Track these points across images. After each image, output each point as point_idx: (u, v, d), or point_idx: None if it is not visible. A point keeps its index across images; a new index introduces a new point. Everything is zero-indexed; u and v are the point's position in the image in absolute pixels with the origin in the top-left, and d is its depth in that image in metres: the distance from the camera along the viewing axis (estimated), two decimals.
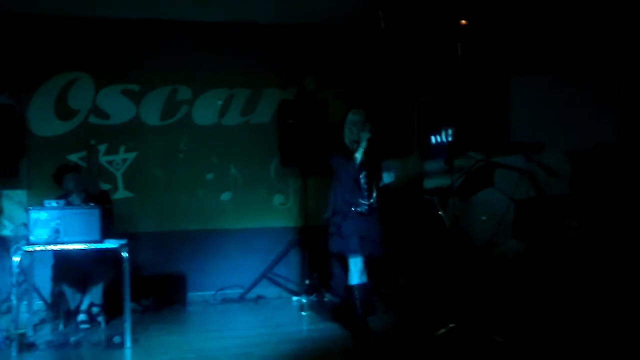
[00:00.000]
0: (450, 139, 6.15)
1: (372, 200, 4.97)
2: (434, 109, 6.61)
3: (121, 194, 6.56)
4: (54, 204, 5.14)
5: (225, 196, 6.79)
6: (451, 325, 4.80)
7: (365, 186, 4.98)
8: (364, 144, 4.90)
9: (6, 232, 6.23)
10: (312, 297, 6.38)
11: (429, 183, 6.21)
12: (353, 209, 4.93)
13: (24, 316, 5.25)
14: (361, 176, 4.97)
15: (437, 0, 6.13)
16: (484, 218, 5.63)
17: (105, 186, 6.48)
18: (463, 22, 6.54)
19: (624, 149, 6.03)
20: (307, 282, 6.45)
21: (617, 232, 5.47)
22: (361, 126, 5.03)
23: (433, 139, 6.55)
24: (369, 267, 5.05)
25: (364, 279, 4.98)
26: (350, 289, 4.98)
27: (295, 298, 6.51)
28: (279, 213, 6.89)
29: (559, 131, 5.90)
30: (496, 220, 5.57)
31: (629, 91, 6.48)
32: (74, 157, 6.42)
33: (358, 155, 4.90)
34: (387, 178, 5.06)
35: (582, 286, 5.36)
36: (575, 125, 6.00)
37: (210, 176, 6.76)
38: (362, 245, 4.91)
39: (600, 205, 5.56)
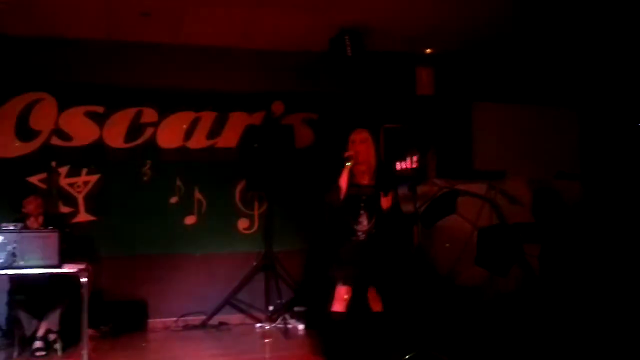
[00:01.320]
0: (414, 164, 6.20)
1: (360, 225, 4.68)
2: (399, 135, 6.67)
3: (82, 217, 6.43)
4: (11, 227, 5.03)
5: (189, 220, 6.71)
6: (411, 355, 4.77)
7: (361, 212, 4.70)
8: (346, 164, 4.61)
9: None
10: (276, 324, 6.32)
11: None
12: (347, 232, 4.70)
13: None
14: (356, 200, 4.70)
15: (402, 29, 6.22)
16: (447, 245, 5.66)
17: (67, 209, 6.35)
18: (428, 51, 6.69)
19: (584, 176, 6.18)
20: (270, 308, 6.39)
21: (578, 260, 5.56)
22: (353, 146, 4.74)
23: (398, 166, 6.59)
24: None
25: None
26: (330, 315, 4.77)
27: (258, 325, 6.43)
28: (243, 238, 6.83)
29: (521, 159, 6.01)
30: (459, 247, 5.59)
31: (590, 120, 6.66)
32: (34, 179, 6.29)
33: (342, 179, 4.66)
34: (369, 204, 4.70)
35: (543, 314, 5.41)
36: (537, 153, 6.13)
37: (174, 200, 6.68)
38: (354, 274, 4.68)
39: (561, 234, 5.65)
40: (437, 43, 6.61)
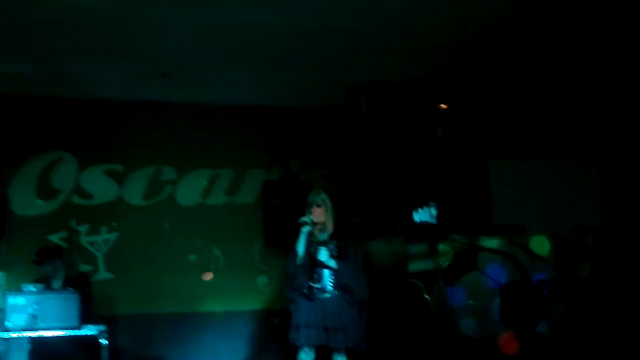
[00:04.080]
0: (433, 220, 6.19)
1: (319, 285, 4.75)
2: (417, 190, 6.68)
3: (102, 275, 6.43)
4: (32, 288, 5.08)
5: (208, 277, 6.68)
6: None
7: (319, 269, 4.78)
8: (303, 229, 4.80)
9: None
10: None
11: (414, 266, 6.21)
12: (305, 291, 4.76)
13: None
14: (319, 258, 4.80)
15: (417, 85, 6.30)
16: (470, 302, 5.59)
17: (86, 267, 6.37)
18: (443, 106, 6.76)
19: (606, 231, 6.12)
20: None
21: (603, 315, 5.47)
22: (310, 209, 4.95)
23: (417, 219, 6.58)
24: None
25: None
26: None
27: None
28: (262, 295, 6.79)
29: (541, 213, 5.98)
30: (482, 304, 5.53)
31: (610, 173, 6.63)
32: (54, 238, 6.33)
33: (299, 245, 4.79)
34: (323, 256, 4.83)
35: None
36: (557, 206, 6.10)
37: (193, 257, 6.68)
38: (312, 334, 4.68)
39: (585, 289, 5.57)
40: (451, 98, 6.68)
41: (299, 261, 4.77)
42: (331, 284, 4.75)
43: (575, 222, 5.97)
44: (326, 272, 4.80)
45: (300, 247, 4.79)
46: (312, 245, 4.86)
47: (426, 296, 5.30)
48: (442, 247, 5.73)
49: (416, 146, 6.88)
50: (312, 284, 4.75)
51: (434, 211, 5.92)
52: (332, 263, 4.76)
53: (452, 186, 6.36)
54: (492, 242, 5.79)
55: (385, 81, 6.11)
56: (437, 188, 6.26)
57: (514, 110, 6.97)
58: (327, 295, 4.75)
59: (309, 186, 6.70)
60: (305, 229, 4.80)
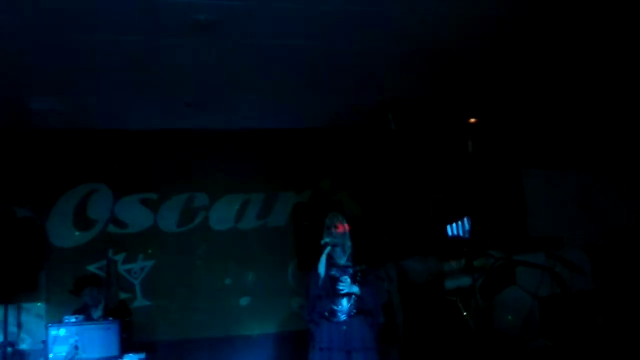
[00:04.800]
0: (467, 235, 6.13)
1: (341, 308, 4.72)
2: (449, 205, 6.63)
3: (139, 302, 6.52)
4: (72, 319, 5.14)
5: (244, 301, 6.72)
6: None
7: (340, 293, 4.75)
8: (325, 251, 4.80)
9: (24, 346, 6.15)
10: None
11: (450, 284, 6.14)
12: (326, 313, 4.75)
13: None
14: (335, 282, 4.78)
15: (446, 100, 6.29)
16: (509, 317, 5.51)
17: (124, 295, 6.45)
18: (472, 120, 6.72)
19: None
20: None
21: None
22: (330, 231, 4.92)
23: (450, 234, 6.53)
24: None
25: None
26: None
27: None
28: (298, 317, 6.79)
29: (578, 224, 5.87)
30: (521, 319, 5.44)
31: None
32: (92, 268, 6.43)
33: (320, 266, 4.78)
34: (345, 284, 4.78)
35: None
36: (594, 217, 5.99)
37: (228, 281, 6.73)
38: (333, 357, 4.64)
39: (626, 301, 5.45)
40: (481, 111, 6.64)
41: (320, 283, 4.78)
42: (353, 307, 4.76)
43: (614, 233, 5.85)
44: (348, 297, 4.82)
45: (322, 269, 4.80)
46: (332, 268, 4.86)
47: (464, 313, 5.23)
48: (477, 262, 5.65)
49: (447, 161, 6.84)
50: (334, 307, 4.77)
51: (467, 226, 5.86)
52: (355, 289, 4.76)
53: (486, 200, 6.29)
54: (529, 257, 5.68)
55: (412, 98, 6.11)
56: (470, 202, 6.20)
57: (545, 121, 6.90)
58: (348, 318, 4.73)
59: (341, 205, 6.73)
60: (327, 250, 4.82)
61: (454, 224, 6.19)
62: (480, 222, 5.98)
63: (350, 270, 4.82)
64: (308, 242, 6.46)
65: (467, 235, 5.86)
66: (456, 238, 6.09)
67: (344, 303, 4.74)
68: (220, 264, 6.73)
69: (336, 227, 4.94)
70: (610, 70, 5.57)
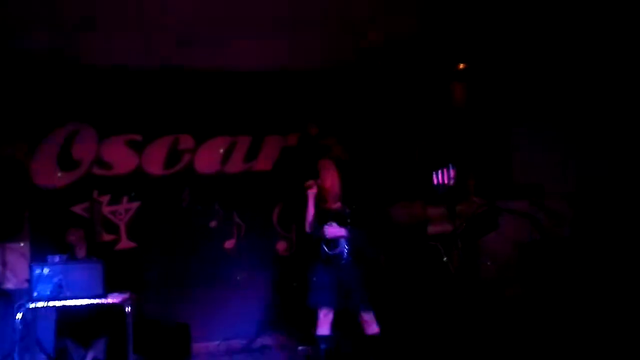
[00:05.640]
0: (451, 182, 6.15)
1: (336, 252, 4.88)
2: (435, 152, 6.63)
3: (124, 244, 6.54)
4: (56, 258, 5.18)
5: (229, 244, 6.76)
6: None
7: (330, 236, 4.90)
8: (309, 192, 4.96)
9: (9, 286, 6.20)
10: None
11: (433, 229, 6.19)
12: (323, 257, 4.90)
13: None
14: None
15: (433, 44, 6.19)
16: (488, 263, 5.59)
17: (109, 237, 6.47)
18: (461, 65, 6.65)
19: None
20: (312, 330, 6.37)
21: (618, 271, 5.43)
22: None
23: (435, 181, 6.54)
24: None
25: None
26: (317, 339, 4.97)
27: (300, 347, 6.42)
28: (283, 260, 6.86)
29: (559, 174, 5.91)
30: (500, 264, 5.52)
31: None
32: (77, 209, 6.43)
33: (308, 207, 4.92)
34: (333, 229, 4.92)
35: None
36: (575, 168, 6.03)
37: (213, 224, 6.75)
38: (330, 297, 4.84)
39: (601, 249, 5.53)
40: (470, 57, 6.56)
41: (309, 227, 4.85)
42: (347, 250, 4.81)
43: (593, 183, 5.90)
44: (342, 239, 4.87)
45: (309, 211, 4.85)
46: (325, 212, 4.91)
47: (445, 258, 5.30)
48: (460, 208, 5.69)
49: (434, 108, 6.80)
50: (328, 251, 4.84)
51: (452, 173, 5.88)
52: (342, 232, 4.85)
53: (471, 148, 6.29)
54: (512, 204, 5.72)
55: (401, 41, 6.00)
56: (455, 150, 6.20)
57: (535, 70, 6.84)
58: (344, 260, 4.81)
59: (328, 150, 6.72)
60: (311, 192, 4.87)
61: (439, 171, 6.21)
62: (464, 169, 5.99)
63: (342, 214, 4.87)
64: (294, 187, 6.48)
65: (451, 182, 5.88)
66: (440, 184, 6.11)
67: (340, 246, 4.86)
68: (205, 207, 6.73)
69: (326, 169, 4.99)
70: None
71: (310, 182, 4.95)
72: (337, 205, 4.99)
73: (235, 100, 6.84)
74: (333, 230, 4.86)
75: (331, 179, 5.01)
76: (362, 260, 4.87)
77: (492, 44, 6.15)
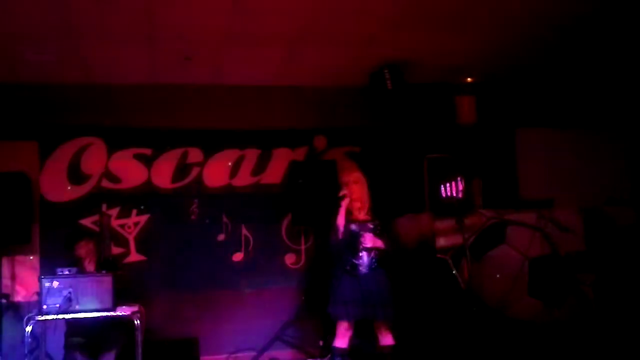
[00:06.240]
0: (459, 194, 6.14)
1: (362, 262, 4.88)
2: (443, 165, 6.64)
3: (133, 257, 6.56)
4: (66, 271, 5.20)
5: (237, 257, 6.77)
6: None
7: (358, 246, 4.90)
8: (342, 204, 4.95)
9: (19, 299, 6.23)
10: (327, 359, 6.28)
11: (441, 242, 6.18)
12: (347, 267, 4.90)
13: None
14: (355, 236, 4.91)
15: (442, 61, 6.22)
16: (498, 276, 5.56)
17: (118, 250, 6.49)
18: (468, 79, 6.67)
19: (635, 201, 6.01)
20: (321, 343, 6.36)
21: (634, 288, 5.39)
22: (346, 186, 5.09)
23: (443, 194, 6.54)
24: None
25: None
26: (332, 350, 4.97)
27: None
28: (291, 273, 6.86)
29: (569, 185, 5.88)
30: (510, 279, 5.49)
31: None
32: (86, 222, 6.45)
33: (339, 217, 4.91)
34: (368, 240, 4.93)
35: (599, 345, 5.25)
36: (585, 179, 6.00)
37: (221, 237, 6.76)
38: (355, 309, 4.83)
39: (616, 262, 5.50)
40: (477, 71, 6.59)
41: (338, 236, 4.86)
42: (374, 261, 4.83)
43: (604, 194, 5.87)
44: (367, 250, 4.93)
45: (340, 221, 4.85)
46: (352, 223, 4.93)
47: (454, 272, 5.28)
48: (469, 221, 5.68)
49: (441, 122, 6.82)
50: (355, 261, 4.85)
51: (460, 185, 5.87)
52: (379, 243, 4.90)
53: (479, 160, 6.29)
54: (520, 217, 5.70)
55: (408, 58, 6.04)
56: (463, 162, 6.20)
57: (539, 81, 6.84)
58: (369, 272, 4.86)
59: (334, 165, 6.72)
60: (343, 203, 4.89)
61: (447, 184, 6.19)
62: (472, 181, 5.99)
63: (371, 225, 4.88)
64: (302, 199, 6.51)
65: (459, 195, 5.88)
66: (449, 197, 6.10)
67: (365, 257, 4.87)
68: (213, 220, 6.75)
69: (355, 182, 5.03)
70: (608, 28, 5.50)
71: (345, 192, 4.99)
72: (364, 216, 5.02)
73: (243, 113, 6.87)
74: (370, 239, 4.86)
75: (359, 191, 5.04)
76: (387, 271, 4.88)
77: (498, 57, 6.18)
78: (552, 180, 6.04)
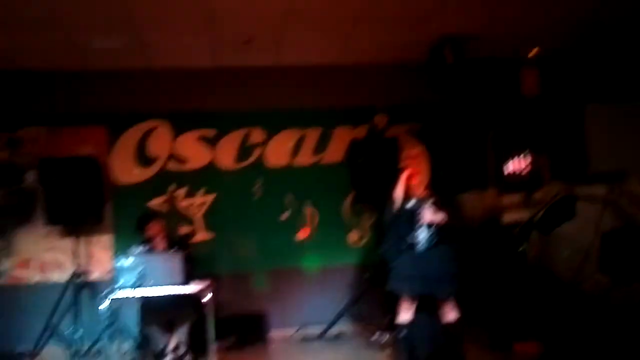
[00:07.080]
0: (527, 168, 6.02)
1: (422, 237, 4.83)
2: (508, 139, 6.50)
3: (201, 236, 6.74)
4: (138, 250, 5.41)
5: (301, 235, 6.85)
6: None
7: (416, 222, 4.83)
8: (401, 176, 4.88)
9: (95, 277, 6.49)
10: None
11: (509, 217, 6.07)
12: (406, 243, 4.85)
13: (114, 357, 5.50)
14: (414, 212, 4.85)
15: (505, 33, 6.07)
16: (567, 252, 5.43)
17: (185, 229, 6.67)
18: (534, 51, 6.48)
19: None
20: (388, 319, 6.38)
21: None
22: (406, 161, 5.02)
23: (510, 169, 6.41)
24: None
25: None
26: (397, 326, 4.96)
27: (376, 335, 6.44)
28: (354, 250, 6.91)
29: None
30: (581, 254, 5.36)
31: None
32: (154, 204, 6.66)
33: (397, 189, 4.85)
34: (427, 214, 4.82)
35: None
36: None
37: (285, 216, 6.86)
38: (416, 284, 4.78)
39: None
40: (541, 43, 6.40)
41: (395, 209, 4.82)
42: (433, 237, 4.80)
43: None
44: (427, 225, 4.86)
45: (398, 193, 4.82)
46: (410, 199, 4.89)
47: (521, 248, 5.18)
48: (537, 195, 5.56)
49: (506, 95, 6.67)
50: (413, 238, 4.83)
51: (528, 159, 5.73)
52: (439, 217, 4.79)
53: (546, 134, 6.13)
54: (591, 190, 5.54)
55: (472, 34, 5.92)
56: (530, 136, 6.05)
57: (607, 53, 6.60)
58: (428, 247, 4.80)
59: (395, 142, 6.69)
60: (403, 175, 4.85)
61: (514, 158, 6.08)
62: (540, 154, 5.84)
63: (429, 200, 4.86)
64: (364, 177, 6.51)
65: (527, 169, 5.74)
66: (516, 172, 5.98)
67: (423, 233, 4.82)
68: (277, 199, 6.85)
69: (414, 157, 5.00)
70: None
71: (404, 164, 4.95)
72: (423, 192, 4.95)
73: (303, 93, 6.91)
74: (428, 215, 4.84)
75: (419, 166, 4.99)
76: (452, 247, 4.82)
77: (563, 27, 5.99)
78: (623, 155, 5.81)
